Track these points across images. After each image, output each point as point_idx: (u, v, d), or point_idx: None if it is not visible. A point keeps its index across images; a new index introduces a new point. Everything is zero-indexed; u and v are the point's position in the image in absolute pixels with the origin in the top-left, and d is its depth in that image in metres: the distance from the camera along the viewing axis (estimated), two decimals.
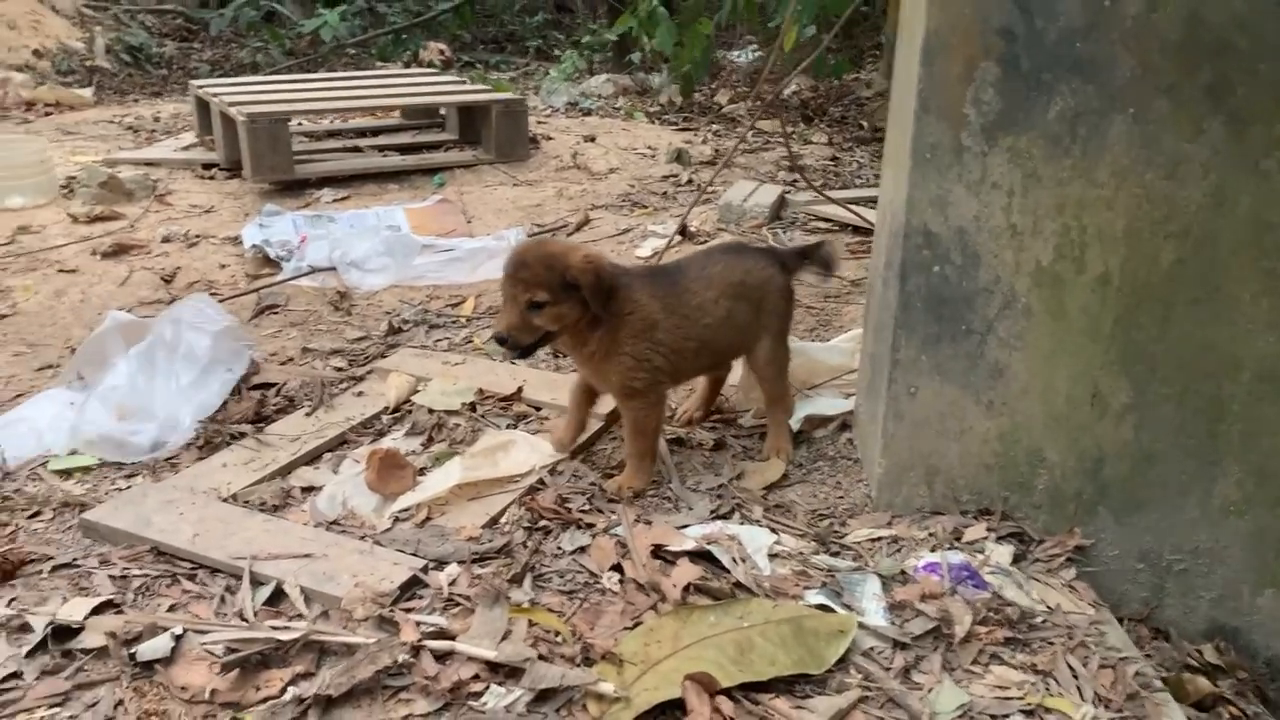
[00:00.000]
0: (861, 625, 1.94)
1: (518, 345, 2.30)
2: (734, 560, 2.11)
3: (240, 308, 3.67)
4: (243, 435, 2.65)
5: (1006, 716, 1.76)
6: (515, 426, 2.75)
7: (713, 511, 2.35)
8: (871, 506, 2.40)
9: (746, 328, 2.56)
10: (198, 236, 4.36)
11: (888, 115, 2.58)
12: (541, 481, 2.44)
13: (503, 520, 2.30)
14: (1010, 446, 2.27)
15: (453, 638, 1.84)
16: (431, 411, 2.80)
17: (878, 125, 6.71)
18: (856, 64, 8.49)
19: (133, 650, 1.79)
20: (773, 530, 2.28)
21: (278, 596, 2.00)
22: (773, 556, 2.18)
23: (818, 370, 2.94)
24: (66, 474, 2.52)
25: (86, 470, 2.54)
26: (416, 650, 1.81)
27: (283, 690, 1.73)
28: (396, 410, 2.84)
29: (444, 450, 2.60)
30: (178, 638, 1.83)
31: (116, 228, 4.42)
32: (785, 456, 2.58)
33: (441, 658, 1.80)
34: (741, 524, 2.30)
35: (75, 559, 2.13)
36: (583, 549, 2.18)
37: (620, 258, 4.22)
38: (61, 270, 3.92)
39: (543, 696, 1.72)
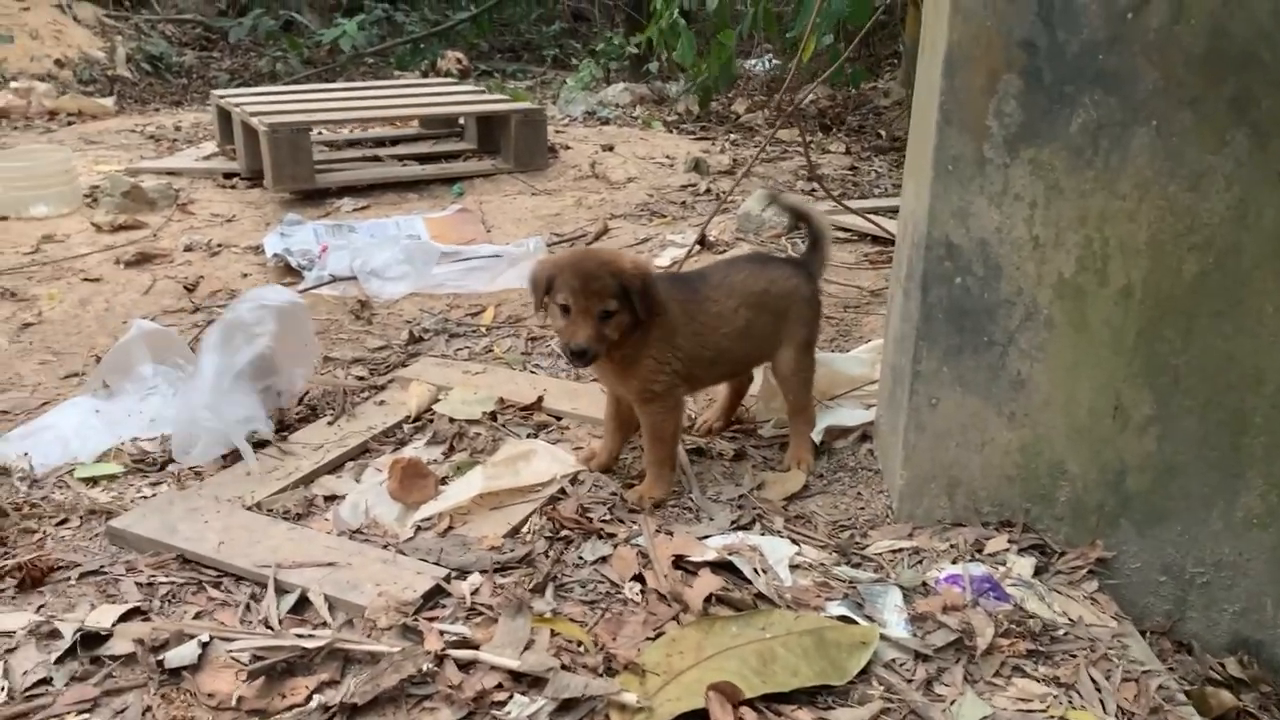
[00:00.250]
0: (883, 637, 1.94)
1: (597, 357, 2.29)
2: (755, 571, 2.11)
3: None
4: (266, 444, 2.67)
5: None
6: (536, 436, 2.76)
7: (734, 522, 2.36)
8: (893, 518, 2.41)
9: (767, 338, 2.57)
10: (220, 245, 4.40)
11: (908, 126, 2.58)
12: (563, 491, 2.45)
13: (524, 530, 2.31)
14: (1032, 458, 2.27)
15: (476, 647, 1.85)
16: (452, 421, 2.81)
17: (896, 134, 6.70)
18: (874, 73, 8.49)
19: (160, 657, 1.81)
20: (794, 541, 2.28)
21: (302, 605, 2.02)
22: (794, 567, 2.18)
23: (838, 381, 2.94)
24: (93, 481, 2.54)
25: (113, 478, 2.56)
26: (440, 659, 1.82)
27: (308, 698, 1.75)
28: (418, 419, 2.85)
29: (465, 459, 2.61)
30: (204, 645, 1.84)
31: (140, 237, 4.47)
32: (806, 467, 2.58)
33: (465, 667, 1.81)
34: (763, 535, 2.30)
35: (102, 566, 2.15)
36: (604, 559, 2.19)
37: None
38: (86, 279, 3.96)
39: (566, 706, 1.73)
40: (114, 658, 1.85)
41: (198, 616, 1.98)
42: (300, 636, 1.87)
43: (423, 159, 5.76)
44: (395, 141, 6.15)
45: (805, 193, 5.26)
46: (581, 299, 2.25)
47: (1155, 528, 2.25)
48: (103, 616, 1.94)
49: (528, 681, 1.78)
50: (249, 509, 2.36)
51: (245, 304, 2.74)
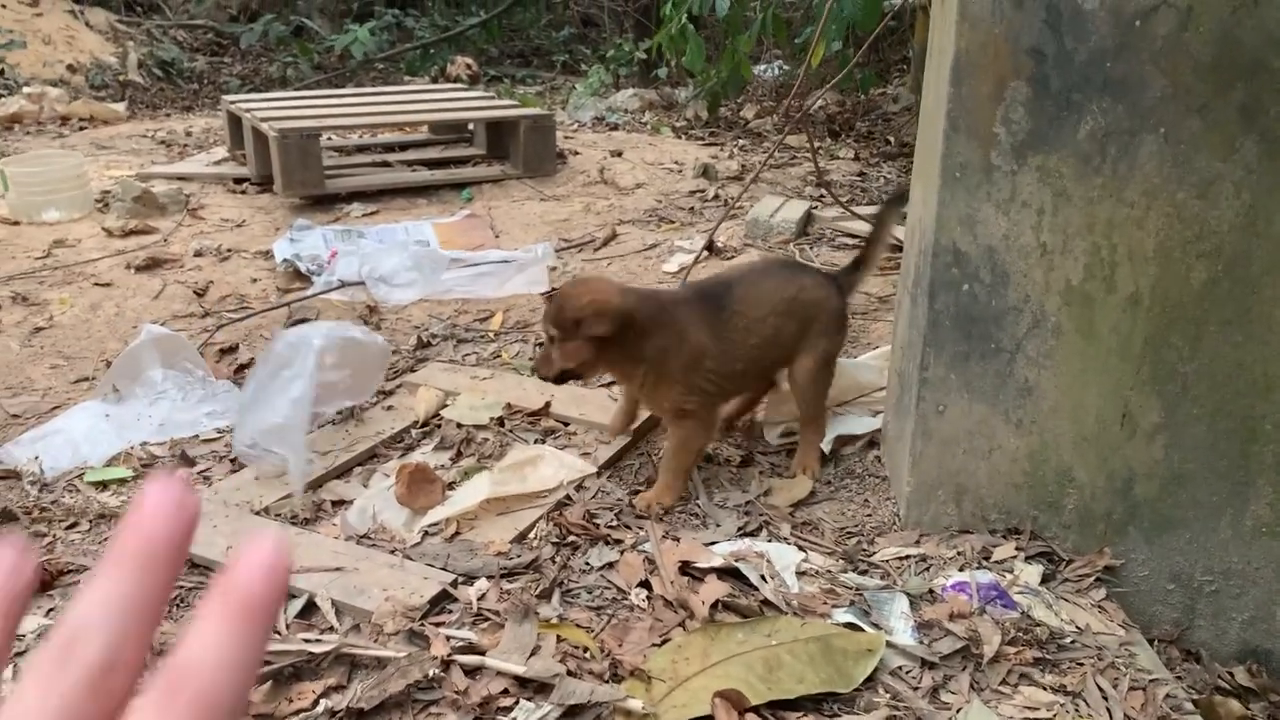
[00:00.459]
0: (890, 644, 1.94)
1: (544, 377, 2.44)
2: (762, 578, 2.11)
3: (272, 321, 3.72)
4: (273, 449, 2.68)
5: None
6: (543, 442, 2.76)
7: (740, 529, 2.36)
8: (899, 525, 2.40)
9: (791, 344, 2.58)
10: (230, 250, 4.41)
11: (916, 133, 2.58)
12: (569, 497, 2.46)
13: (531, 535, 2.31)
14: (1039, 466, 2.26)
15: (482, 652, 1.86)
16: (460, 426, 2.82)
17: (905, 140, 6.69)
18: (883, 78, 8.48)
19: None
20: (800, 548, 2.28)
21: (309, 609, 2.03)
22: (801, 574, 2.18)
23: (847, 388, 2.94)
24: (103, 485, 2.56)
25: (122, 482, 2.58)
26: (447, 664, 1.82)
27: (315, 703, 1.75)
28: (425, 424, 2.86)
29: (472, 465, 2.62)
30: None
31: (150, 241, 4.49)
32: (812, 475, 2.58)
33: (471, 672, 1.82)
34: (769, 541, 2.30)
35: None
36: (610, 565, 2.19)
37: (649, 273, 4.25)
38: (97, 284, 3.98)
39: (572, 712, 1.73)
40: None
41: None
42: (307, 641, 1.88)
43: (432, 164, 5.77)
44: (405, 147, 6.17)
45: (814, 199, 5.26)
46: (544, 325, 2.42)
47: (1163, 536, 2.24)
48: None
49: (534, 687, 1.78)
50: (257, 514, 2.37)
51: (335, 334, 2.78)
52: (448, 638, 1.90)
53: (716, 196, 5.44)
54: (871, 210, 4.74)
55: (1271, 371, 2.09)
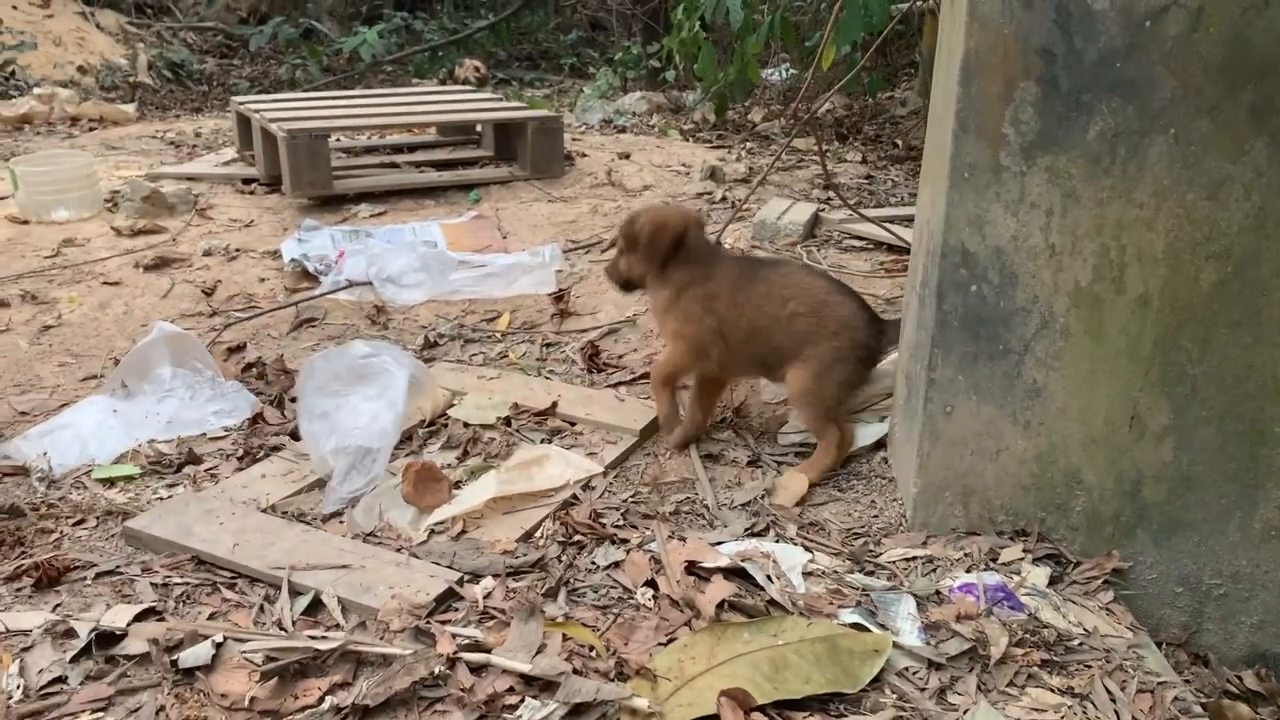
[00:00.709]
0: (896, 645, 1.93)
1: (613, 281, 2.83)
2: (768, 578, 2.11)
3: (279, 321, 3.72)
4: (281, 447, 2.69)
5: None
6: (550, 441, 2.76)
7: (747, 529, 2.35)
8: (906, 526, 2.40)
9: (796, 342, 2.58)
10: (238, 250, 4.42)
11: (924, 135, 2.58)
12: (576, 496, 2.46)
13: (537, 534, 2.31)
14: (1047, 467, 2.25)
15: (488, 650, 1.86)
16: (467, 425, 2.82)
17: (912, 143, 6.69)
18: (891, 82, 8.48)
19: (174, 657, 1.82)
20: (807, 548, 2.27)
21: (316, 606, 2.03)
22: (807, 574, 2.18)
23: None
24: (110, 482, 2.56)
25: (129, 479, 2.58)
26: (452, 662, 1.82)
27: (320, 699, 1.75)
28: (432, 424, 2.86)
29: (479, 464, 2.62)
30: (218, 646, 1.85)
31: (159, 241, 4.50)
32: (813, 475, 2.56)
33: (477, 670, 1.82)
34: (776, 541, 2.30)
35: (118, 566, 2.16)
36: (617, 564, 2.19)
37: None
38: (105, 283, 3.99)
39: (577, 711, 1.73)
40: (128, 657, 1.86)
41: (212, 617, 1.99)
42: (313, 638, 1.87)
43: (440, 166, 5.78)
44: (413, 148, 6.18)
45: (821, 201, 5.26)
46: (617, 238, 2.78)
47: (1172, 538, 2.23)
48: (118, 616, 1.95)
49: (539, 685, 1.78)
50: (264, 511, 2.38)
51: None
52: (453, 635, 1.90)
53: (724, 199, 5.43)
54: (878, 213, 4.74)
55: None
